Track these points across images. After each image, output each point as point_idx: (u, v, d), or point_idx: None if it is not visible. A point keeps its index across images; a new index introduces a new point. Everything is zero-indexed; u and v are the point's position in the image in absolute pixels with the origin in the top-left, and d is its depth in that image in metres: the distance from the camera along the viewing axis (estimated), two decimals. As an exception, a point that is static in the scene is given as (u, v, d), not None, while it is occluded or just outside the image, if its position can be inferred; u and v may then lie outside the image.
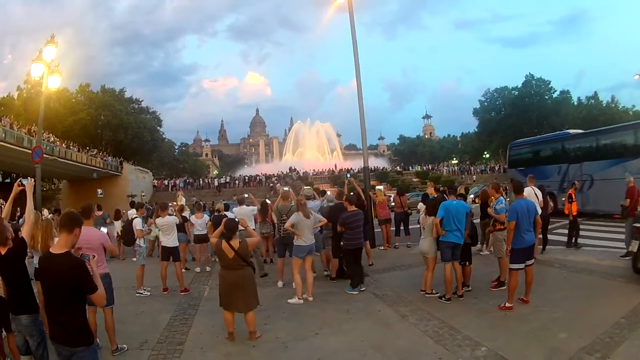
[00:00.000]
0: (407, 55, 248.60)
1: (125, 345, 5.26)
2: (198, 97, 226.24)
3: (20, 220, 13.72)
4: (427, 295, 7.05)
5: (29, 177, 4.86)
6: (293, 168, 58.00)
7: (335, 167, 59.55)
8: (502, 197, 7.90)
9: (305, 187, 16.34)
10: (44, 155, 16.61)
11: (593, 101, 64.23)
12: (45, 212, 16.63)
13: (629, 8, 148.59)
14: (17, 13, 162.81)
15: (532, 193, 9.28)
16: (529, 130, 61.77)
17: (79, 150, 37.72)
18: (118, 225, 13.49)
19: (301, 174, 54.44)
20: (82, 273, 3.17)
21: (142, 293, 8.19)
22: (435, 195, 10.12)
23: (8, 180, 42.67)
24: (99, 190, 34.27)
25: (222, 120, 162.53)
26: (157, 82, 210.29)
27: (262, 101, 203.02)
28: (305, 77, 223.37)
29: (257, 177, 54.82)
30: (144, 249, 8.85)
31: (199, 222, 11.04)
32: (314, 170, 57.07)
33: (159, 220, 8.70)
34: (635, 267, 7.52)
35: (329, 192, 12.16)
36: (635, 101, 62.57)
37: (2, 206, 19.88)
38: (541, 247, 9.80)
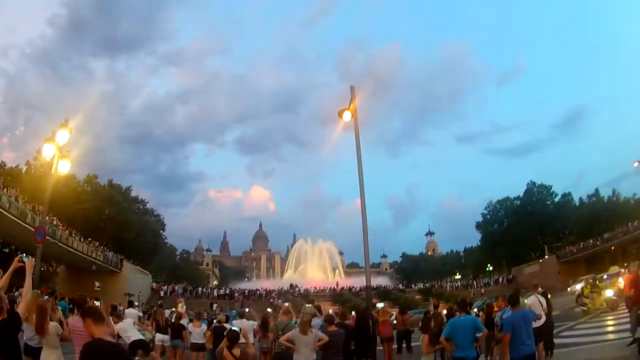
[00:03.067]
0: (410, 172, 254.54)
1: None
2: (203, 205, 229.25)
3: (16, 293, 13.62)
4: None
5: (30, 256, 5.13)
6: (294, 284, 57.18)
7: (337, 285, 58.64)
8: (508, 308, 7.97)
9: (306, 305, 16.15)
10: (46, 238, 16.66)
11: (594, 198, 63.82)
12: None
13: (626, 98, 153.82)
14: (34, 87, 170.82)
15: (536, 301, 9.29)
16: (531, 238, 61.82)
17: (80, 240, 37.68)
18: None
19: (302, 291, 53.44)
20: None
21: None
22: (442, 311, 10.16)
23: (7, 250, 42.05)
24: (97, 283, 33.66)
25: (225, 232, 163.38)
26: (163, 186, 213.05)
27: (265, 216, 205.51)
28: (309, 193, 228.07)
29: (258, 292, 53.78)
30: None
31: (197, 331, 10.98)
32: (315, 287, 56.18)
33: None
34: None
35: (331, 311, 12.14)
36: (636, 189, 61.95)
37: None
38: (547, 351, 9.58)
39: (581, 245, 51.96)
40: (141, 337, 8.70)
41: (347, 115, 14.03)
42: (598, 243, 49.29)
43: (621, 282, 20.22)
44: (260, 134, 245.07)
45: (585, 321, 15.98)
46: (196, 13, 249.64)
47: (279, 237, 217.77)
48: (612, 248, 48.37)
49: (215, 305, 43.15)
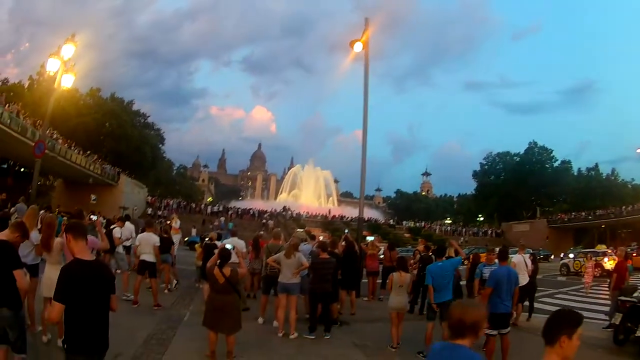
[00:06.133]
0: (414, 111, 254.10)
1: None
2: (203, 122, 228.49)
3: (12, 209, 13.85)
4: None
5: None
6: (287, 207, 57.83)
7: (329, 212, 59.44)
8: (483, 263, 8.12)
9: (298, 230, 16.56)
10: (45, 151, 16.67)
11: (593, 173, 64.15)
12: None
13: (636, 81, 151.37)
14: (40, 5, 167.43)
15: (522, 261, 9.53)
16: (525, 197, 62.38)
17: (79, 153, 37.64)
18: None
19: (294, 215, 54.28)
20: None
21: (128, 296, 8.77)
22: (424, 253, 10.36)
23: (5, 166, 43.11)
24: (93, 196, 33.77)
25: (223, 149, 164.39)
26: (165, 101, 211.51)
27: (265, 137, 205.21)
28: (311, 119, 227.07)
29: (251, 211, 54.63)
30: (124, 255, 9.88)
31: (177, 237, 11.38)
32: (307, 212, 56.93)
33: (139, 235, 9.32)
34: (617, 339, 7.81)
35: (321, 238, 12.28)
36: (635, 175, 62.00)
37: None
38: (527, 314, 9.94)
39: (572, 216, 52.48)
40: (152, 260, 8.93)
41: (358, 46, 13.29)
42: (590, 217, 49.77)
43: (607, 262, 20.66)
44: (267, 55, 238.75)
45: (566, 292, 16.40)
46: None
47: (277, 158, 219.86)
48: (603, 226, 48.87)
49: (222, 219, 43.54)
